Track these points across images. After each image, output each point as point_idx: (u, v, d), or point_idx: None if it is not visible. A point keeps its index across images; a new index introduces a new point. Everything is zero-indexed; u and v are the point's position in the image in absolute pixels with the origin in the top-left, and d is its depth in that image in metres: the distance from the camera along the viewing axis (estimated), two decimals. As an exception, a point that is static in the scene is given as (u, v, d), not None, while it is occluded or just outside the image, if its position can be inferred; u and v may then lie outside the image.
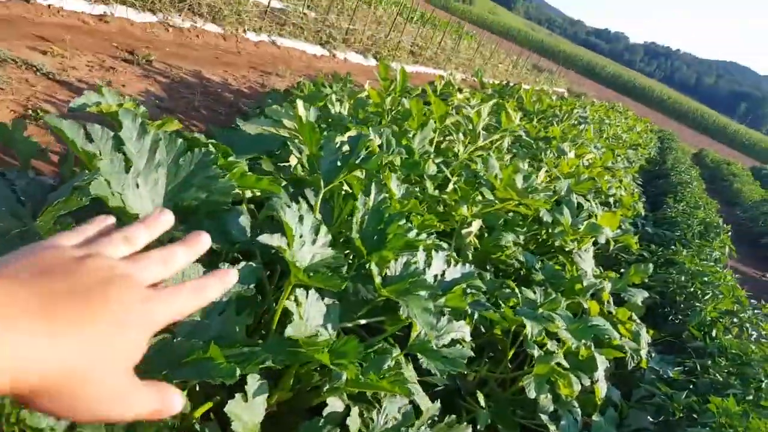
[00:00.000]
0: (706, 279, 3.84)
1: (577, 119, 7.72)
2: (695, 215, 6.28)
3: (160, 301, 0.43)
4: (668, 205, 6.88)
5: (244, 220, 1.53)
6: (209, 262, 1.51)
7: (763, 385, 2.55)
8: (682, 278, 3.83)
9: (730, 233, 6.42)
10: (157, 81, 4.31)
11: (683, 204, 6.97)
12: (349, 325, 1.92)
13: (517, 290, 2.51)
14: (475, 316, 2.25)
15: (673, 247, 4.76)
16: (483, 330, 2.49)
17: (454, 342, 1.91)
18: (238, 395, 1.23)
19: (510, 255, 3.08)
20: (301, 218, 1.50)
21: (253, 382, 1.30)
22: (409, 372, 1.87)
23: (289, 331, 1.24)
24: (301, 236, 1.51)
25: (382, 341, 1.84)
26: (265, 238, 1.31)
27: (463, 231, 2.99)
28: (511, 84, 9.79)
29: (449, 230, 3.05)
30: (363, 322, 1.94)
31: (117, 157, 1.31)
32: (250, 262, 1.36)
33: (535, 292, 2.53)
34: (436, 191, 3.09)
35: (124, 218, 1.23)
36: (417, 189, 3.21)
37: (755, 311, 3.71)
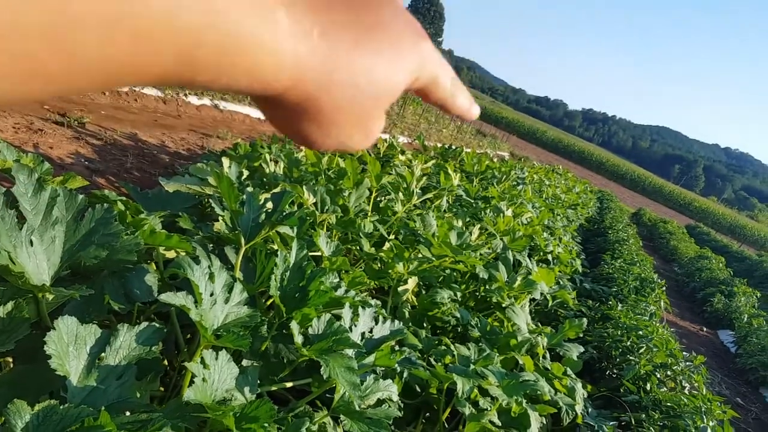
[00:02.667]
0: (640, 333, 3.90)
1: (516, 180, 7.96)
2: (631, 271, 6.45)
3: (431, 48, 0.39)
4: (605, 261, 7.04)
5: (150, 279, 1.46)
6: (107, 325, 1.43)
7: (693, 437, 2.56)
8: (618, 333, 3.88)
9: (665, 288, 6.61)
10: (89, 143, 4.21)
11: (620, 261, 7.15)
12: (274, 388, 1.84)
13: (452, 347, 2.48)
14: (407, 375, 2.19)
15: (609, 302, 4.83)
16: (419, 389, 2.43)
17: (380, 402, 1.85)
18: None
19: (446, 312, 3.06)
20: (212, 276, 1.45)
21: (153, 451, 1.21)
22: (336, 436, 1.79)
23: (189, 395, 1.16)
24: (212, 294, 1.45)
25: (305, 404, 1.77)
26: (167, 297, 1.25)
27: (400, 288, 2.97)
28: (454, 147, 10.07)
29: (387, 288, 3.02)
30: (289, 384, 1.86)
31: (8, 214, 1.24)
32: (153, 323, 1.28)
33: (469, 349, 2.51)
34: (373, 249, 3.07)
35: (9, 278, 1.15)
36: (355, 247, 3.20)
37: (687, 363, 3.77)
